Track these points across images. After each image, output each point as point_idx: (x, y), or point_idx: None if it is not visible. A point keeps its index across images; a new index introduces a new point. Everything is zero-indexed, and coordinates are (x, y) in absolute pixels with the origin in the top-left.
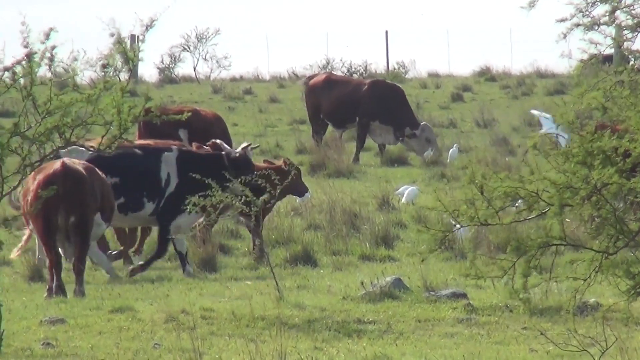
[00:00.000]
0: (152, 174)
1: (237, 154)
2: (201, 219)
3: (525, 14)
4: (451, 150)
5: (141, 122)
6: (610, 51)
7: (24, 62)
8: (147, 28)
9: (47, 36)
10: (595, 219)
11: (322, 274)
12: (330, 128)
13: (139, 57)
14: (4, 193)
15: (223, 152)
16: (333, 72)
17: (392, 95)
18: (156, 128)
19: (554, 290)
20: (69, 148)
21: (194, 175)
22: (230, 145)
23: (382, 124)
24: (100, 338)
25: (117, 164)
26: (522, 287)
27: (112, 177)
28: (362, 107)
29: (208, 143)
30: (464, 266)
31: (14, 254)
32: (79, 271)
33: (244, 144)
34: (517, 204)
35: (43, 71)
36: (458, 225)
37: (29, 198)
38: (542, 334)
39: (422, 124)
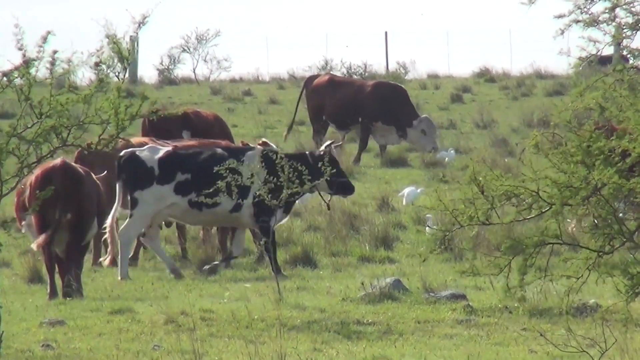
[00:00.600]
0: (232, 172)
1: (322, 153)
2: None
3: (525, 10)
4: (446, 153)
5: (146, 123)
6: (609, 49)
7: (22, 68)
8: (139, 25)
9: (45, 39)
10: (593, 218)
11: (321, 276)
12: (330, 129)
13: (135, 55)
14: (3, 194)
15: (307, 152)
16: (332, 73)
17: (395, 96)
18: (160, 128)
19: (552, 291)
20: (148, 146)
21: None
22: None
23: (384, 124)
24: (99, 340)
25: (193, 160)
26: (519, 285)
27: (186, 172)
28: (365, 108)
29: (258, 142)
30: (463, 267)
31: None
32: (76, 272)
33: (327, 142)
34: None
35: (42, 73)
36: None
37: (26, 194)
38: (541, 335)
39: (421, 116)
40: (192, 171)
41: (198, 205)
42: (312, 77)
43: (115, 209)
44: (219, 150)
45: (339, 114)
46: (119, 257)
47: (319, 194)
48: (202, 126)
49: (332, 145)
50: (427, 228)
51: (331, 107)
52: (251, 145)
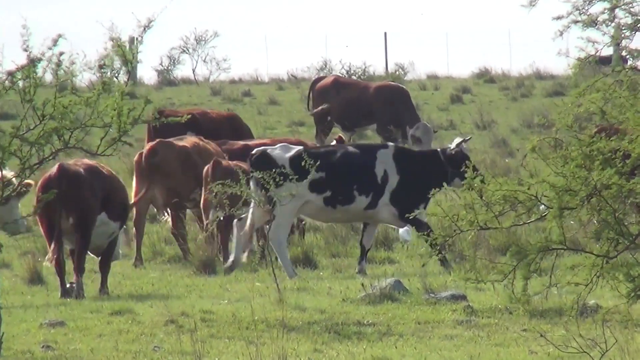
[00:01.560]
0: (365, 170)
1: (454, 151)
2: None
3: (525, 13)
4: None
5: (149, 125)
6: (608, 50)
7: (26, 68)
8: (144, 29)
9: (55, 42)
10: (595, 222)
11: (321, 277)
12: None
13: (137, 58)
14: (4, 196)
15: (439, 149)
16: (332, 73)
17: (397, 97)
18: (165, 130)
19: (553, 292)
20: (279, 145)
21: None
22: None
23: (395, 127)
24: (100, 341)
25: (327, 159)
26: (522, 291)
27: (320, 170)
28: (375, 114)
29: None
30: (463, 268)
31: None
32: (78, 271)
33: (458, 140)
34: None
35: (46, 75)
36: (406, 229)
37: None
38: (542, 335)
39: (419, 122)
40: (326, 169)
41: (332, 203)
42: (318, 79)
43: (253, 208)
44: (350, 148)
45: (343, 115)
46: (280, 260)
47: (454, 191)
48: (209, 126)
49: (464, 142)
50: (400, 234)
51: (337, 108)
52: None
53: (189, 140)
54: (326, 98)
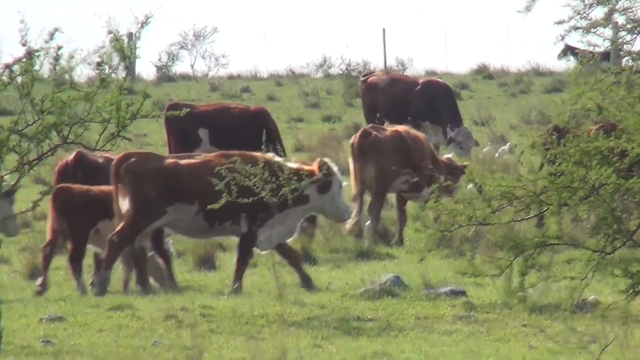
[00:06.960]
0: None
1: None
2: None
3: (522, 17)
4: (501, 148)
5: (165, 121)
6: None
7: (23, 61)
8: (142, 25)
9: (52, 36)
10: (592, 217)
11: (321, 272)
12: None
13: (135, 54)
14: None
15: None
16: (336, 68)
17: (440, 95)
18: (177, 127)
19: (552, 287)
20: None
21: None
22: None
23: (432, 123)
24: (99, 335)
25: None
26: (519, 286)
27: None
28: (413, 106)
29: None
30: (462, 264)
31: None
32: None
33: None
34: None
35: (44, 69)
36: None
37: None
38: (541, 331)
39: (460, 127)
40: None
41: None
42: (368, 74)
43: None
44: None
45: (391, 111)
46: None
47: None
48: (226, 122)
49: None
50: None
51: (384, 104)
52: None
53: (402, 127)
54: (376, 93)
